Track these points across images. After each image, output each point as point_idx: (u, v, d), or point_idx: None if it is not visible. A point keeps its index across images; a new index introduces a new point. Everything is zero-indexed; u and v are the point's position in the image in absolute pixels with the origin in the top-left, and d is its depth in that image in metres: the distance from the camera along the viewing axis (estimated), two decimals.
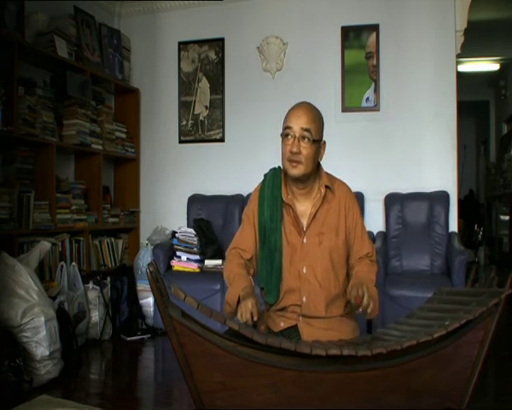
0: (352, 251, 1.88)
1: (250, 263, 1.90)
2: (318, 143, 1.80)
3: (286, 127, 1.78)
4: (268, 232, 1.86)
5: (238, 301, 1.72)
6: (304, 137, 1.75)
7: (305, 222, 1.85)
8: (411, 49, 4.06)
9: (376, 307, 1.70)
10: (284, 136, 1.79)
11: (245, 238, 1.92)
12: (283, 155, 1.80)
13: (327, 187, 1.86)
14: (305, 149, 1.76)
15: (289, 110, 1.82)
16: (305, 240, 1.84)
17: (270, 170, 1.98)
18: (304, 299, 1.81)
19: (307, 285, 1.81)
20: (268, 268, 1.86)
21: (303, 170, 1.78)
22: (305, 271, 1.82)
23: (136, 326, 3.81)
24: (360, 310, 1.62)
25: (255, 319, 1.62)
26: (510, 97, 6.88)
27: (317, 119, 1.80)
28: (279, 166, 1.96)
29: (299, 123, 1.75)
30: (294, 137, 1.76)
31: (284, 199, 1.87)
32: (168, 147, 4.68)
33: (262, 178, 1.99)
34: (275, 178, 1.92)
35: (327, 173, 1.91)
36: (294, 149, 1.75)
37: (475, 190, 9.29)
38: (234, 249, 1.94)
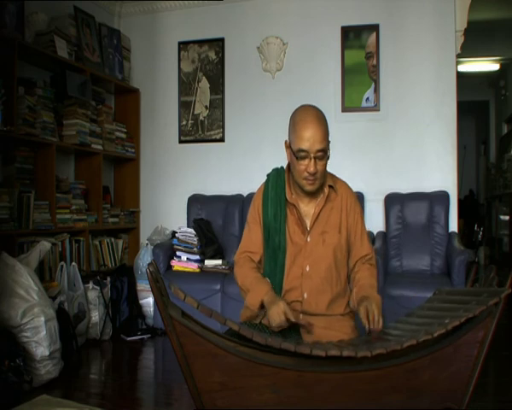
0: (352, 252, 1.89)
1: (260, 265, 1.91)
2: (329, 151, 1.78)
3: (300, 150, 1.72)
4: (272, 232, 1.86)
5: (261, 306, 1.72)
6: (319, 157, 1.74)
7: (308, 222, 1.86)
8: (411, 49, 4.06)
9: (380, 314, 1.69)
10: (299, 158, 1.74)
11: (253, 239, 1.92)
12: (298, 172, 1.77)
13: (330, 187, 1.87)
14: (321, 165, 1.75)
15: (299, 124, 1.74)
16: (308, 239, 1.84)
17: (273, 170, 1.98)
18: (305, 295, 1.82)
19: (309, 282, 1.82)
20: (272, 267, 1.86)
21: (318, 184, 1.80)
22: (308, 269, 1.83)
23: (136, 326, 3.81)
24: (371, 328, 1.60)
25: (292, 319, 1.62)
26: (510, 97, 6.87)
27: (326, 131, 1.76)
28: (282, 166, 1.97)
29: (314, 146, 1.71)
30: (310, 158, 1.72)
31: (288, 199, 1.87)
32: (168, 147, 4.68)
33: (262, 177, 2.00)
34: (278, 179, 1.92)
35: (329, 173, 1.91)
36: (312, 170, 1.73)
37: (475, 190, 9.28)
38: (243, 254, 1.93)
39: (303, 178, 1.77)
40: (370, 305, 1.63)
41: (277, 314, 1.62)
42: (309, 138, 1.71)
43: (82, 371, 3.00)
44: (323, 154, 1.74)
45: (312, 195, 1.85)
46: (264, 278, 1.83)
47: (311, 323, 1.76)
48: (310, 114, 1.76)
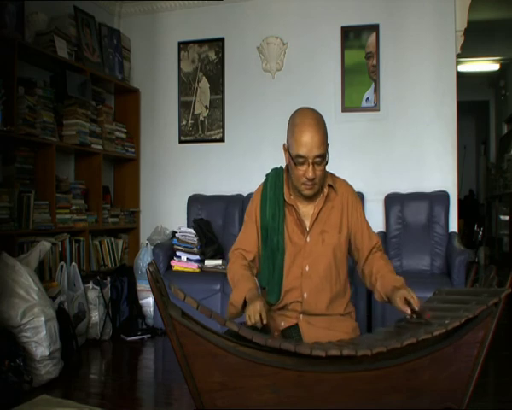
0: (364, 247, 1.88)
1: (253, 264, 1.90)
2: (327, 155, 1.77)
3: (298, 156, 1.71)
4: (270, 232, 1.86)
5: (244, 304, 1.71)
6: (317, 163, 1.72)
7: (308, 222, 1.85)
8: (411, 49, 4.06)
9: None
10: (297, 163, 1.73)
11: (248, 238, 1.91)
12: (296, 178, 1.77)
13: (329, 186, 1.87)
14: (319, 170, 1.74)
15: (296, 129, 1.72)
16: (308, 239, 1.84)
17: (272, 170, 1.97)
18: (305, 295, 1.82)
19: (309, 282, 1.82)
20: (270, 268, 1.86)
21: (317, 189, 1.80)
22: (307, 269, 1.82)
23: (136, 326, 3.81)
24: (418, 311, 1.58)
25: (264, 321, 1.60)
26: (510, 97, 6.87)
27: (325, 135, 1.74)
28: (281, 166, 1.97)
29: (312, 151, 1.69)
30: (308, 163, 1.71)
31: (287, 200, 1.87)
32: (168, 147, 4.68)
33: (262, 177, 1.99)
34: (277, 179, 1.91)
35: (328, 172, 1.91)
36: (310, 175, 1.72)
37: (475, 190, 9.28)
38: (237, 250, 1.93)
39: (301, 183, 1.77)
40: (407, 292, 1.60)
41: (253, 314, 1.61)
42: (307, 144, 1.69)
43: (82, 371, 3.00)
44: (322, 159, 1.72)
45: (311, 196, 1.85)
46: (251, 277, 1.82)
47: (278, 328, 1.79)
48: (308, 118, 1.73)
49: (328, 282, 1.83)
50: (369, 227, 1.91)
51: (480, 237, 7.71)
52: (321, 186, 1.83)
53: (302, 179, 1.75)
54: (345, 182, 1.95)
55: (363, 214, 1.93)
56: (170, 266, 3.90)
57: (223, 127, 4.51)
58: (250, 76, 4.44)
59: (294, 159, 1.73)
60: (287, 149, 1.80)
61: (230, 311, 1.80)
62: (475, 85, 7.55)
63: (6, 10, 3.24)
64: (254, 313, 1.60)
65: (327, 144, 1.76)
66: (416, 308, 1.56)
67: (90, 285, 3.59)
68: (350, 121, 4.17)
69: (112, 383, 2.89)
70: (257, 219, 1.90)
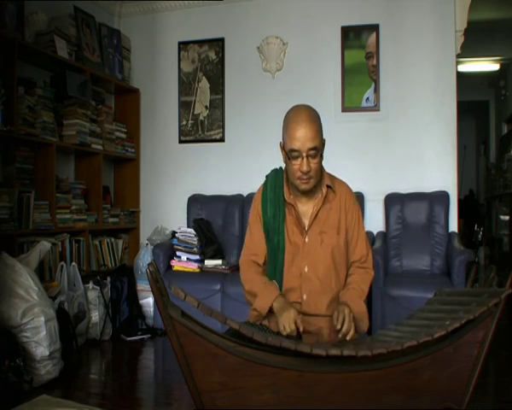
0: (349, 251, 1.89)
1: (265, 267, 1.91)
2: (322, 149, 1.79)
3: (292, 150, 1.73)
4: (271, 232, 1.87)
5: (269, 310, 1.74)
6: (312, 155, 1.73)
7: (306, 222, 1.86)
8: (411, 49, 4.06)
9: (365, 322, 1.77)
10: (292, 158, 1.75)
11: (255, 241, 1.92)
12: (292, 172, 1.78)
13: (328, 187, 1.87)
14: (314, 164, 1.75)
15: (290, 125, 1.75)
16: (306, 239, 1.85)
17: (272, 171, 1.98)
18: (304, 297, 1.82)
19: (308, 284, 1.82)
20: (271, 268, 1.87)
21: (313, 183, 1.80)
22: (306, 270, 1.83)
23: (136, 326, 3.81)
24: (340, 336, 1.64)
25: (301, 329, 1.63)
26: (510, 97, 6.87)
27: (318, 128, 1.75)
28: (280, 167, 1.97)
29: (305, 145, 1.71)
30: (302, 157, 1.73)
31: (286, 199, 1.87)
32: (168, 147, 4.68)
33: (262, 177, 2.00)
34: (276, 179, 1.93)
35: (328, 173, 1.91)
36: (305, 169, 1.73)
37: (475, 190, 9.28)
38: (247, 258, 1.94)
39: (297, 177, 1.78)
40: (342, 311, 1.66)
41: (288, 323, 1.63)
42: (300, 138, 1.71)
43: (82, 371, 3.00)
44: (316, 152, 1.73)
45: (310, 195, 1.85)
46: (273, 283, 1.83)
47: (319, 332, 1.79)
48: (300, 114, 1.75)
49: (328, 285, 1.83)
50: (360, 235, 1.90)
51: (480, 237, 7.70)
52: (318, 182, 1.83)
53: (297, 174, 1.76)
54: (344, 184, 1.95)
55: (360, 220, 1.92)
56: (170, 266, 3.90)
57: (223, 127, 4.52)
58: (250, 76, 4.45)
59: (289, 154, 1.75)
60: (282, 146, 1.82)
61: (252, 315, 1.82)
62: (475, 85, 7.55)
63: (6, 10, 3.24)
64: (289, 321, 1.63)
65: (322, 138, 1.77)
66: (337, 327, 1.63)
67: (90, 285, 3.59)
68: (350, 121, 4.17)
69: (112, 383, 2.89)
70: (261, 219, 1.91)
